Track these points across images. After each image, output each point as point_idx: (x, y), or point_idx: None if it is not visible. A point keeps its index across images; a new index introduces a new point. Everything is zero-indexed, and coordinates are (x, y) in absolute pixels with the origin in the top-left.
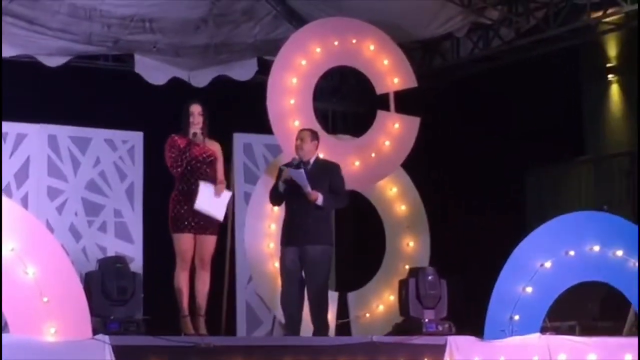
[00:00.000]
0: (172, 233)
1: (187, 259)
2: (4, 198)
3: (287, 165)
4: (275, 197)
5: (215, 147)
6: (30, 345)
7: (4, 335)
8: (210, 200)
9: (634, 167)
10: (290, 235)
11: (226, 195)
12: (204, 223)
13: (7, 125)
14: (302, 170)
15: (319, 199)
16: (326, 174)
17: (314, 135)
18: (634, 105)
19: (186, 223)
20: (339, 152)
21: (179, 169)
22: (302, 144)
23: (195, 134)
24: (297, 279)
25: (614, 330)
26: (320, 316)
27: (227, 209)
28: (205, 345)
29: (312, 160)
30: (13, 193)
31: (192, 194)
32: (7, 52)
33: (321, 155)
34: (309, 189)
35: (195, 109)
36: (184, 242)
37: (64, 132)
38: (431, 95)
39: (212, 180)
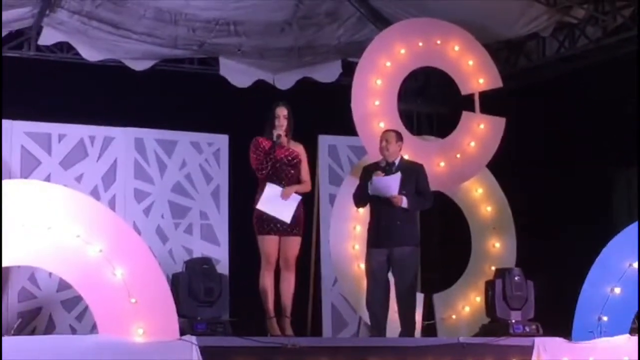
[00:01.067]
0: (257, 235)
1: (272, 261)
2: (92, 200)
3: (373, 167)
4: (360, 199)
5: (299, 149)
6: (118, 346)
7: (93, 336)
8: (275, 202)
9: None
10: (377, 237)
11: (295, 198)
12: (288, 225)
13: (94, 129)
14: (398, 175)
15: (404, 202)
16: (412, 175)
17: (399, 136)
18: None
19: (271, 225)
20: (423, 153)
21: (263, 171)
22: (387, 145)
23: (279, 136)
24: (384, 280)
25: None
26: (408, 317)
27: (311, 212)
28: (291, 346)
29: (397, 162)
30: (101, 196)
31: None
32: (94, 57)
33: (405, 156)
34: (394, 193)
35: (281, 111)
36: (268, 243)
37: (150, 135)
38: (517, 96)
39: (296, 181)
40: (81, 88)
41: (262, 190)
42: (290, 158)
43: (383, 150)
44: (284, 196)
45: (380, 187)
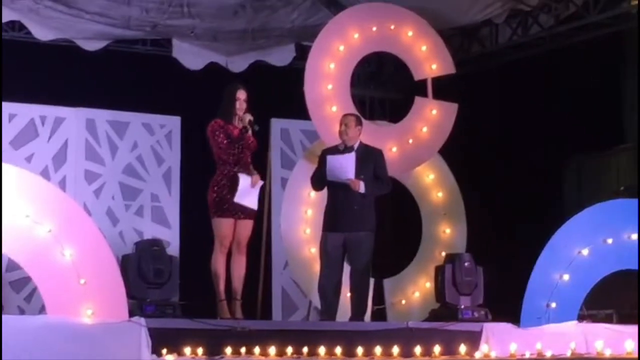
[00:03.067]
0: (213, 217)
1: (226, 244)
2: (42, 180)
3: (332, 150)
4: (318, 182)
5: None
6: (67, 327)
7: (41, 317)
8: (247, 192)
9: None
10: (333, 221)
11: (259, 184)
12: (244, 208)
13: (45, 109)
14: (352, 155)
15: (361, 186)
16: (370, 159)
17: (358, 121)
18: None
19: (230, 207)
20: (376, 138)
21: (232, 156)
22: (347, 129)
23: (251, 122)
24: (338, 264)
25: None
26: (360, 302)
27: (262, 195)
28: (241, 329)
29: (355, 146)
30: (51, 176)
31: (235, 180)
32: (46, 36)
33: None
34: (351, 176)
35: (242, 94)
36: (224, 226)
37: (102, 116)
38: (469, 82)
39: (249, 166)
40: (33, 68)
41: (225, 173)
42: (249, 142)
43: (342, 134)
44: (254, 184)
45: (334, 167)
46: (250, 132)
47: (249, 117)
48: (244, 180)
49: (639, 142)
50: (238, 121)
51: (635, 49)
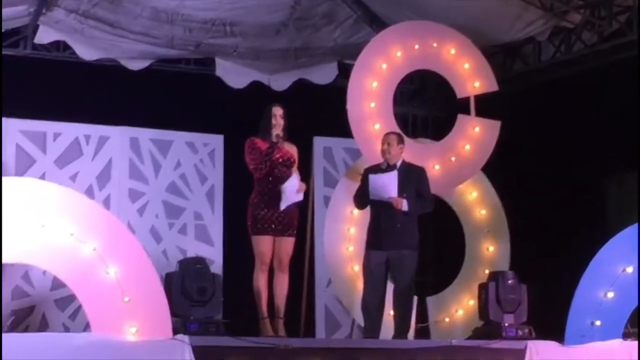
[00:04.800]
0: (252, 235)
1: (266, 261)
2: (86, 199)
3: (375, 169)
4: (360, 201)
5: (293, 150)
6: (111, 345)
7: (86, 334)
8: (293, 196)
9: None
10: (376, 239)
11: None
12: (283, 225)
13: (90, 128)
14: (394, 173)
15: (404, 205)
16: (413, 177)
17: (400, 139)
18: None
19: (266, 225)
20: (419, 155)
21: (262, 172)
22: (389, 148)
23: (278, 136)
24: (382, 282)
25: None
26: (403, 320)
27: (306, 213)
28: (284, 347)
29: (398, 164)
30: (95, 195)
31: (272, 196)
32: (90, 56)
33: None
34: (393, 194)
35: (277, 111)
36: (263, 244)
37: (145, 135)
38: (512, 100)
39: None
40: (77, 87)
41: (259, 191)
42: (285, 158)
43: (385, 153)
44: (299, 190)
45: (376, 185)
46: (285, 145)
47: (276, 131)
48: (291, 181)
49: (639, 163)
50: (275, 138)
51: None
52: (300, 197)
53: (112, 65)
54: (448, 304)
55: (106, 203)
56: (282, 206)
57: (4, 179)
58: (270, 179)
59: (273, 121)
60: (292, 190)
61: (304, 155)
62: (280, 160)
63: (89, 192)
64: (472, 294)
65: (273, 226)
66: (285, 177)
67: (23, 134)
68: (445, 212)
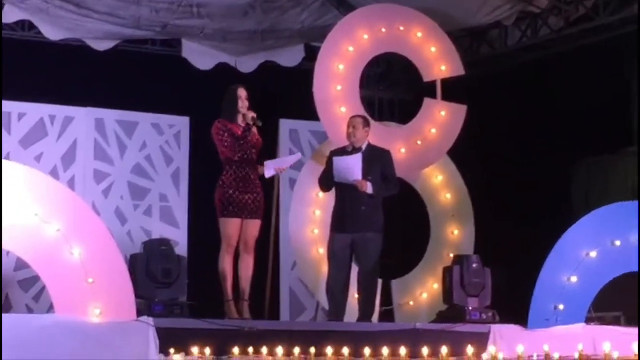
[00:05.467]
0: (220, 217)
1: (232, 243)
2: (51, 179)
3: (340, 152)
4: (325, 183)
5: (257, 132)
6: (75, 326)
7: (49, 315)
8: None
9: None
10: (341, 222)
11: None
12: (250, 208)
13: (54, 108)
14: (359, 155)
15: (368, 187)
16: (378, 160)
17: (366, 122)
18: None
19: (236, 208)
20: (385, 139)
21: (237, 155)
22: (354, 131)
23: (254, 118)
24: (346, 265)
25: None
26: (368, 302)
27: (271, 195)
28: (248, 329)
29: (363, 147)
30: (60, 176)
31: (243, 179)
32: (55, 36)
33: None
34: (358, 177)
35: (242, 92)
36: (231, 226)
37: (110, 116)
38: (478, 84)
39: (256, 165)
40: (42, 67)
41: (231, 174)
42: (255, 140)
43: (350, 135)
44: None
45: (341, 168)
46: (254, 129)
47: (251, 114)
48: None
49: (638, 144)
50: (242, 119)
51: None
52: (285, 165)
53: (77, 45)
54: (412, 287)
55: (71, 184)
56: (269, 172)
57: None
58: (243, 161)
59: (240, 103)
60: (284, 162)
61: (270, 137)
62: (252, 143)
63: (54, 173)
64: (437, 278)
65: (242, 209)
66: (255, 160)
67: None
68: (411, 196)
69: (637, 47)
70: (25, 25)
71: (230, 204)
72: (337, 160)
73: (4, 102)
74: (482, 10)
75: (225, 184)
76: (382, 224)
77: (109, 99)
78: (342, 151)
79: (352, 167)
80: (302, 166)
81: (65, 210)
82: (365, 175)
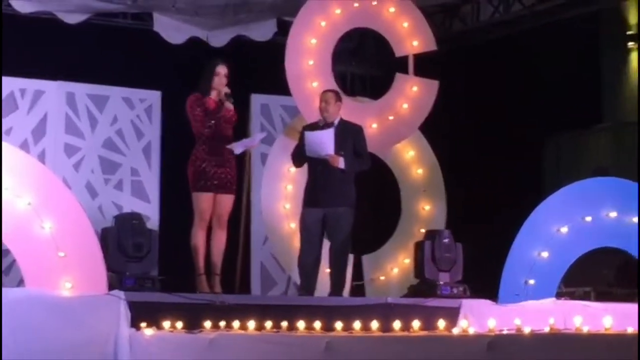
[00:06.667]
0: (192, 191)
1: (205, 218)
2: (22, 153)
3: (312, 127)
4: (298, 158)
5: (232, 108)
6: (46, 300)
7: (20, 289)
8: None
9: None
10: (313, 196)
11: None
12: (224, 183)
13: (25, 82)
14: (332, 130)
15: (340, 162)
16: (350, 135)
17: (338, 97)
18: None
19: (208, 183)
20: (357, 114)
21: (209, 130)
22: (326, 106)
23: (227, 95)
24: (318, 239)
25: (630, 297)
26: (339, 277)
27: (242, 170)
28: (220, 303)
29: (336, 122)
30: (30, 149)
31: (215, 153)
32: (26, 9)
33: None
34: (330, 152)
35: (222, 69)
36: (204, 200)
37: (82, 90)
38: (450, 59)
39: (230, 141)
40: (13, 40)
41: (203, 148)
42: (229, 116)
43: (322, 110)
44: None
45: (313, 142)
46: (229, 104)
47: (225, 90)
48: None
49: (639, 126)
50: (216, 95)
51: (613, 28)
52: (253, 143)
53: (48, 18)
54: (384, 262)
55: (41, 158)
56: (238, 149)
57: None
58: (215, 136)
59: (216, 79)
60: (252, 141)
61: (242, 112)
62: (225, 118)
63: (24, 147)
64: (408, 253)
65: (215, 183)
66: (229, 135)
67: None
68: (382, 171)
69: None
70: None
71: (203, 178)
72: (309, 135)
73: None
74: None
75: (198, 159)
76: (354, 199)
77: (80, 73)
78: (314, 126)
79: (324, 142)
80: (274, 141)
81: (36, 184)
82: (337, 150)
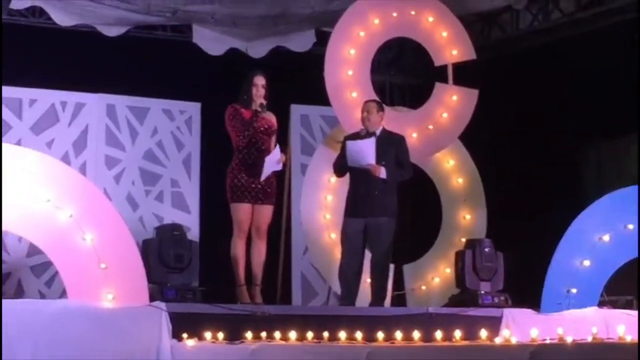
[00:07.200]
0: (230, 202)
1: (244, 228)
2: (63, 165)
3: (354, 136)
4: (340, 168)
5: (273, 119)
6: (88, 311)
7: (62, 301)
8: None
9: None
10: (355, 206)
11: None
12: (261, 193)
13: (66, 95)
14: (372, 140)
15: (382, 172)
16: (392, 145)
17: (380, 107)
18: None
19: (245, 193)
20: (396, 124)
21: (244, 140)
22: (368, 116)
23: (262, 105)
24: (359, 249)
25: None
26: (380, 287)
27: (283, 180)
28: (261, 314)
29: (378, 132)
30: (72, 162)
31: (252, 164)
32: (66, 22)
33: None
34: (371, 161)
35: (260, 80)
36: (242, 211)
37: (122, 102)
38: (490, 68)
39: (269, 151)
40: (53, 53)
41: (240, 159)
42: (267, 127)
43: (364, 120)
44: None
45: (354, 152)
46: (269, 115)
47: (260, 100)
48: (272, 153)
49: (638, 133)
50: (255, 106)
51: None
52: (279, 166)
53: (88, 31)
54: (425, 271)
55: (82, 170)
56: (263, 177)
57: None
58: (251, 147)
59: (254, 90)
60: (272, 160)
61: (281, 123)
62: (262, 129)
63: (65, 159)
64: (449, 262)
65: (252, 194)
66: (266, 146)
67: None
68: (422, 180)
69: (638, 50)
70: (36, 11)
71: (240, 189)
72: (350, 144)
73: (16, 89)
74: None
75: (235, 170)
76: (396, 209)
77: (121, 85)
78: (356, 136)
79: (365, 152)
80: (314, 152)
81: (78, 196)
82: (379, 160)
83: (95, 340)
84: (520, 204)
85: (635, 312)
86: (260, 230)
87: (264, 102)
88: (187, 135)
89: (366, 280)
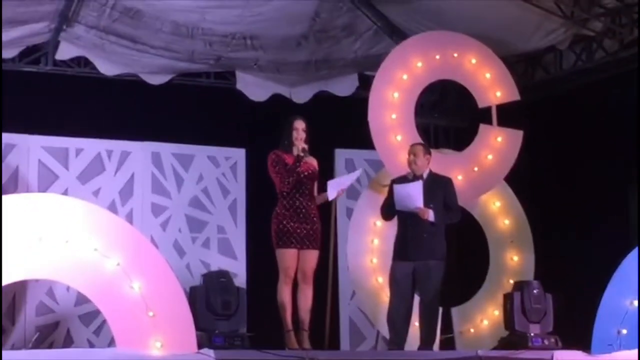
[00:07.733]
0: (276, 248)
1: (290, 274)
2: (110, 214)
3: (401, 180)
4: (387, 212)
5: (315, 163)
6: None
7: (111, 349)
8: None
9: None
10: (403, 250)
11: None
12: (307, 238)
13: (111, 143)
14: (420, 183)
15: (430, 215)
16: (439, 188)
17: (427, 150)
18: None
19: (291, 238)
20: (441, 166)
21: (288, 186)
22: (415, 159)
23: (304, 150)
24: (408, 293)
25: None
26: (429, 330)
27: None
28: (309, 359)
29: (425, 175)
30: (118, 210)
31: (297, 209)
32: (111, 71)
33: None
34: (419, 205)
35: (299, 124)
36: (287, 257)
37: (167, 149)
38: (534, 109)
39: (313, 196)
40: (98, 102)
41: (284, 204)
42: (310, 171)
43: (411, 163)
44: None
45: (402, 196)
46: (310, 159)
47: (302, 145)
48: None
49: (637, 157)
50: (297, 151)
51: None
52: (347, 182)
53: (132, 80)
54: (473, 314)
55: (129, 218)
56: (332, 193)
57: (28, 195)
58: (296, 192)
59: (294, 134)
60: (345, 180)
61: (326, 167)
62: (305, 173)
63: (112, 207)
64: (497, 304)
65: (298, 239)
66: (309, 191)
67: (45, 150)
68: (469, 223)
69: (638, 52)
70: (81, 61)
71: (285, 234)
72: (398, 188)
73: (63, 139)
74: (536, 34)
75: (280, 215)
76: (445, 252)
77: (165, 133)
78: (403, 179)
79: (413, 195)
80: (359, 196)
81: (125, 244)
82: (427, 203)
83: None
84: (568, 245)
85: None
86: (307, 275)
87: (306, 147)
88: (233, 181)
89: (415, 323)
